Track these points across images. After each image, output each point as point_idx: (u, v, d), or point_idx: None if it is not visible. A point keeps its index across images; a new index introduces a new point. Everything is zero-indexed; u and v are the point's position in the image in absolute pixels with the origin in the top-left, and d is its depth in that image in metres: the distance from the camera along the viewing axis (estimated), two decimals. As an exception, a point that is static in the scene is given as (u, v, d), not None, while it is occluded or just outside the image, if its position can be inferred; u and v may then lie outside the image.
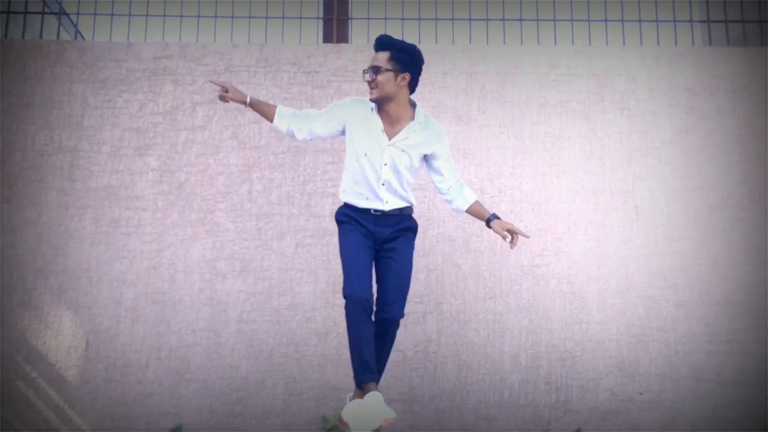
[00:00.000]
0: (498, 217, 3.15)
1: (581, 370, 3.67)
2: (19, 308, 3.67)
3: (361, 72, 3.90)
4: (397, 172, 3.08)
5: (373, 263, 3.15)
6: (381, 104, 3.07)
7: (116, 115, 3.89)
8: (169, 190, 3.82)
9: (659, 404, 3.64)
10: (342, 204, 3.15)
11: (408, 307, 3.64)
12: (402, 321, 3.60)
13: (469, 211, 3.22)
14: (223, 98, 3.15)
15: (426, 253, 3.77)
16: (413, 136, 3.08)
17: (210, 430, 3.58)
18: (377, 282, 3.12)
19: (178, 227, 3.78)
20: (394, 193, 3.09)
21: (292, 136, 3.20)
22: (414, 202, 3.20)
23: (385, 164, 3.06)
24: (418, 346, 3.68)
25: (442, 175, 3.17)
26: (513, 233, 3.11)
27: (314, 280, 3.71)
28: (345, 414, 3.06)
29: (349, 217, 3.09)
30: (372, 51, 3.85)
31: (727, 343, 3.70)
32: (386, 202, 3.07)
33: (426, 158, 3.17)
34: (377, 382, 2.98)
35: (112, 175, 3.82)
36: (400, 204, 3.11)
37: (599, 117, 3.95)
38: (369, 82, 3.04)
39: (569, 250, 3.81)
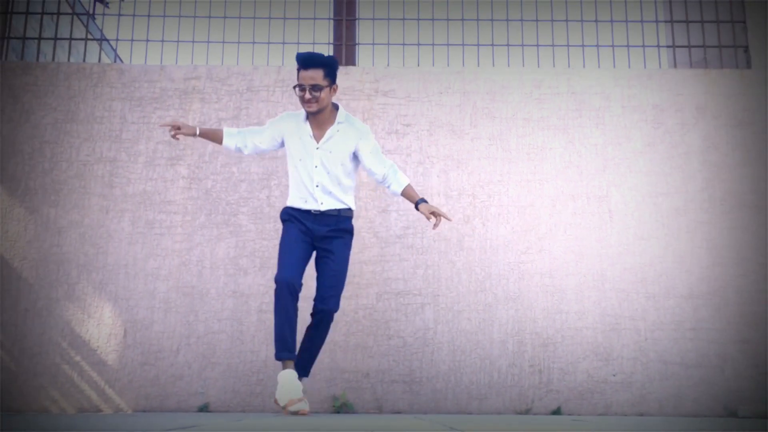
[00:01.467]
0: (426, 201, 3.24)
1: (561, 355, 3.82)
2: (65, 300, 3.84)
3: (366, 91, 4.02)
4: (328, 173, 3.14)
5: (313, 261, 3.22)
6: (314, 113, 3.13)
7: (151, 130, 4.04)
8: (197, 196, 3.96)
9: (630, 385, 3.79)
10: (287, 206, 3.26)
11: (408, 299, 3.83)
12: (403, 311, 3.79)
13: (403, 193, 3.26)
14: (175, 136, 3.21)
15: (424, 251, 3.92)
16: (336, 135, 3.16)
17: (233, 408, 3.73)
18: (316, 279, 3.19)
19: (206, 228, 3.93)
20: (329, 194, 3.16)
21: (240, 152, 3.32)
22: (353, 207, 3.24)
23: (316, 167, 3.14)
24: (417, 334, 3.83)
25: (371, 167, 3.23)
26: (437, 216, 3.18)
27: (325, 275, 3.80)
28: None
29: (290, 215, 3.19)
30: (378, 72, 4.04)
31: (690, 330, 3.85)
32: (321, 203, 3.15)
33: (355, 155, 3.23)
34: (294, 361, 3.07)
35: (147, 183, 3.98)
36: (336, 205, 3.17)
37: (577, 131, 4.09)
38: (308, 99, 3.06)
39: (551, 248, 3.95)
